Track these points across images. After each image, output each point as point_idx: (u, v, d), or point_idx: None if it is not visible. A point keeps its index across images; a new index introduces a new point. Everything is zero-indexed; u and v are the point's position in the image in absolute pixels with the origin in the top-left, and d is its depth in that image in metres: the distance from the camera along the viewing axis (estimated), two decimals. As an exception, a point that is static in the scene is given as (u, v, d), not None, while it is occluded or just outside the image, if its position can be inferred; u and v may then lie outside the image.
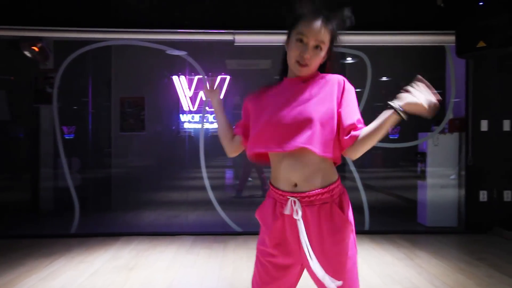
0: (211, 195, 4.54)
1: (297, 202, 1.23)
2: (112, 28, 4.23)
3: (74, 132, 5.30)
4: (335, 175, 1.30)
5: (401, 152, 5.40)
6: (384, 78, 6.15)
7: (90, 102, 5.54)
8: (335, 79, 1.29)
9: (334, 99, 1.25)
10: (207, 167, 4.62)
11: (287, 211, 1.24)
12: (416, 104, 1.12)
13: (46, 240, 4.14)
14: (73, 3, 4.21)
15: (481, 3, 3.45)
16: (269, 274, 1.28)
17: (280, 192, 1.28)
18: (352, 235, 1.26)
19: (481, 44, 3.41)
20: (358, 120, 1.25)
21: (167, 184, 6.41)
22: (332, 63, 1.35)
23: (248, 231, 4.34)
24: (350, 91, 1.29)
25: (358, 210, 4.59)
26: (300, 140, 1.20)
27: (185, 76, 5.58)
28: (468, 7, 3.60)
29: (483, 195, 4.44)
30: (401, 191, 6.01)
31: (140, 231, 4.47)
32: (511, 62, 4.33)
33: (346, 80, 1.30)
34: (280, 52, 1.41)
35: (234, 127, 1.47)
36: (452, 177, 4.65)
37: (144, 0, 3.96)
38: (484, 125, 4.44)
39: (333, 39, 1.30)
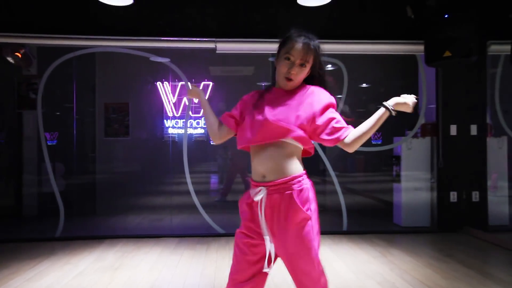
0: (195, 199, 4.66)
1: (263, 190, 1.46)
2: (95, 35, 4.34)
3: (56, 138, 5.35)
4: (299, 170, 1.49)
5: (383, 157, 5.64)
6: (363, 85, 6.40)
7: (75, 108, 5.60)
8: (318, 91, 1.51)
9: (314, 106, 1.46)
10: (191, 172, 4.74)
11: (256, 198, 1.46)
12: (403, 103, 1.42)
13: (30, 244, 4.19)
14: (56, 10, 4.31)
15: (447, 15, 3.69)
16: (242, 251, 1.50)
17: (253, 183, 1.52)
18: (310, 223, 1.44)
19: (447, 53, 3.65)
20: (340, 123, 1.46)
21: (151, 188, 6.49)
22: (319, 78, 1.57)
23: (231, 232, 4.47)
24: (330, 100, 1.50)
25: (338, 212, 4.79)
26: (270, 134, 1.45)
27: (169, 83, 5.71)
28: (436, 18, 3.84)
29: (453, 196, 4.69)
30: (379, 193, 6.24)
31: (125, 234, 4.56)
32: (477, 70, 4.61)
33: (327, 92, 1.53)
34: (262, 60, 1.67)
35: (220, 117, 1.67)
36: (432, 180, 4.86)
37: (128, 8, 4.08)
38: (453, 130, 4.69)
39: (316, 58, 1.52)
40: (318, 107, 1.45)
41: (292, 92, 1.52)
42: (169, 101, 5.76)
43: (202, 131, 5.83)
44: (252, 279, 1.48)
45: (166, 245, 4.16)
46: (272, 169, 1.45)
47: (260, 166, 1.48)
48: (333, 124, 1.44)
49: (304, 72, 1.51)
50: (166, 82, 5.68)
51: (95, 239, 4.37)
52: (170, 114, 5.84)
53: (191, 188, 4.67)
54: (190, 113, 5.20)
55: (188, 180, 4.69)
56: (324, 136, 1.44)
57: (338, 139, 1.43)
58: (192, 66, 5.42)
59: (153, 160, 6.14)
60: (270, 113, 1.45)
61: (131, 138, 5.64)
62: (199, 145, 5.91)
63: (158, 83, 5.71)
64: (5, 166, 5.93)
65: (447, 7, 3.70)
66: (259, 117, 1.46)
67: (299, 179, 1.46)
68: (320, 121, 1.44)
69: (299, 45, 1.47)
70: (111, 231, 4.70)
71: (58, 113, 6.12)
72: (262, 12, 4.43)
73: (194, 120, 5.80)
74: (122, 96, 5.69)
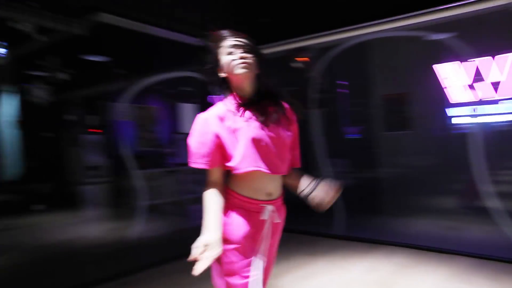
0: (498, 206, 3.51)
1: (271, 207, 1.51)
2: (363, 23, 3.98)
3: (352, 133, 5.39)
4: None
5: None
6: None
7: (349, 102, 5.52)
8: (288, 109, 1.59)
9: (290, 127, 1.58)
10: (491, 169, 3.62)
11: (265, 216, 1.49)
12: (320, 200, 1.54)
13: (309, 237, 4.35)
14: (320, 8, 4.24)
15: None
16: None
17: (256, 201, 1.49)
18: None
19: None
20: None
21: (442, 189, 5.54)
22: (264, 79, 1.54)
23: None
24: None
25: None
26: (284, 168, 1.54)
27: (454, 63, 4.62)
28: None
29: None
30: None
31: (405, 242, 3.98)
32: None
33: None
34: None
35: (209, 167, 1.48)
36: None
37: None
38: None
39: (257, 56, 1.52)
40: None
41: (263, 101, 1.52)
42: (454, 86, 4.67)
43: (505, 118, 4.39)
44: None
45: (455, 266, 3.29)
46: (278, 187, 1.55)
47: (269, 185, 1.51)
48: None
49: (253, 60, 1.49)
50: (450, 63, 4.62)
51: (371, 243, 4.04)
52: (457, 100, 4.73)
53: (492, 190, 3.54)
54: (481, 98, 3.98)
55: (487, 178, 3.58)
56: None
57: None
58: (482, 37, 4.15)
59: (442, 155, 5.20)
60: (271, 138, 1.48)
61: (414, 130, 4.98)
62: (503, 135, 4.50)
63: (439, 65, 4.74)
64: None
65: None
66: (260, 141, 1.45)
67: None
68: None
69: (230, 37, 1.50)
70: (391, 236, 4.22)
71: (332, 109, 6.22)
72: None
73: (490, 105, 4.44)
74: (400, 86, 5.11)
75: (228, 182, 1.52)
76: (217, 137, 1.45)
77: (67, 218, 4.65)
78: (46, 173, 4.84)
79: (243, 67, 1.46)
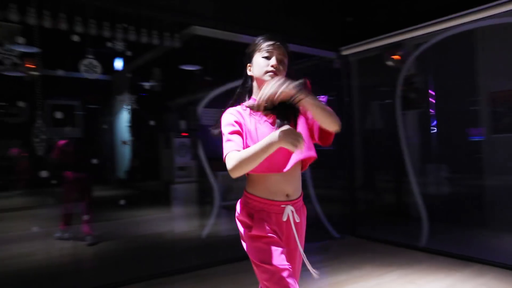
0: None
1: (290, 207, 1.53)
2: (465, 10, 3.53)
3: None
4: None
5: None
6: None
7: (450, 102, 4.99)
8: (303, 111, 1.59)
9: (306, 121, 1.58)
10: None
11: (285, 218, 1.52)
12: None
13: (394, 248, 4.08)
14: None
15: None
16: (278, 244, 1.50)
17: (275, 202, 1.52)
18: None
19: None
20: None
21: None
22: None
23: None
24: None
25: None
26: (293, 160, 1.51)
27: None
28: None
29: None
30: None
31: (498, 261, 3.46)
32: None
33: None
34: None
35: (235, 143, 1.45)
36: None
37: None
38: None
39: (290, 58, 1.57)
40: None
41: (281, 106, 1.49)
42: None
43: None
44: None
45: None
46: (296, 188, 1.57)
47: (287, 186, 1.53)
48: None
49: (284, 70, 1.54)
50: None
51: (458, 258, 3.61)
52: None
53: None
54: None
55: None
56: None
57: None
58: None
59: None
60: None
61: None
62: None
63: None
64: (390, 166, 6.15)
65: None
66: (284, 150, 1.43)
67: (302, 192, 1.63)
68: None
69: (272, 42, 1.52)
70: (483, 253, 3.72)
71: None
72: None
73: None
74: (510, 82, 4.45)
75: (246, 187, 1.58)
76: (241, 127, 1.49)
77: (161, 213, 5.22)
78: (146, 173, 5.49)
79: (272, 76, 1.49)
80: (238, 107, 1.55)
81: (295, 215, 1.53)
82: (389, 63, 5.02)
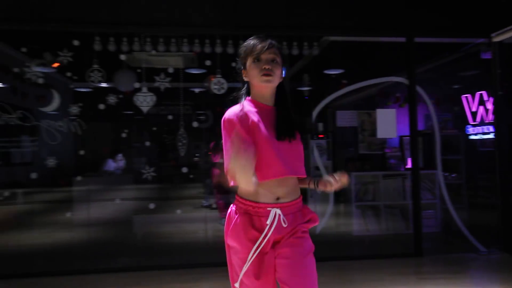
0: None
1: (277, 211, 1.49)
2: None
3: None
4: (299, 191, 1.59)
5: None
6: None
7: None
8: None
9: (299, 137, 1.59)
10: None
11: (269, 220, 1.47)
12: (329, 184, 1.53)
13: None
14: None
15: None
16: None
17: (262, 205, 1.49)
18: (307, 235, 1.58)
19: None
20: None
21: None
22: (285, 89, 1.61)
23: None
24: None
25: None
26: (298, 170, 1.54)
27: None
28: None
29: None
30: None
31: None
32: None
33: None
34: None
35: (246, 145, 1.41)
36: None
37: None
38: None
39: (282, 58, 1.55)
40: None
41: (278, 109, 1.57)
42: None
43: None
44: None
45: None
46: (289, 191, 1.53)
47: (278, 189, 1.50)
48: None
49: (279, 69, 1.53)
50: None
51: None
52: None
53: None
54: None
55: None
56: None
57: None
58: None
59: None
60: (293, 143, 1.53)
61: None
62: None
63: None
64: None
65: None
66: (284, 147, 1.51)
67: (300, 199, 1.58)
68: None
69: (262, 44, 1.51)
70: None
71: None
72: None
73: None
74: None
75: (236, 188, 1.55)
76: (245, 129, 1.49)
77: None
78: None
79: (266, 80, 1.49)
80: (236, 110, 1.52)
81: (282, 219, 1.46)
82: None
